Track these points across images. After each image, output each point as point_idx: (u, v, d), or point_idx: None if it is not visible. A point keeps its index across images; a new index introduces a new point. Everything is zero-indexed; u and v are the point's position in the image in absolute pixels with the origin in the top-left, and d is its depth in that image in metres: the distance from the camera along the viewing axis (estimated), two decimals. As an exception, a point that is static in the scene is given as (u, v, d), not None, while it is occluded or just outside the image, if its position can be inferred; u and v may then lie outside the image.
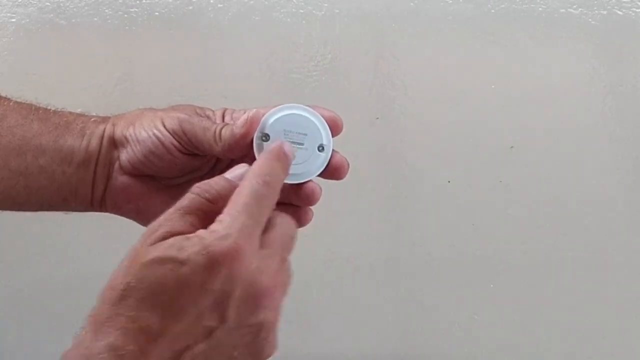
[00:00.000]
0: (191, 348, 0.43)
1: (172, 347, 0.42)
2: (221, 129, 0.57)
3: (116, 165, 0.59)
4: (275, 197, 0.49)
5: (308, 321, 0.95)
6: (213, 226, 0.45)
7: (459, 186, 0.96)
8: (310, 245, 0.95)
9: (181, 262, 0.43)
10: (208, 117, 0.59)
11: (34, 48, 0.99)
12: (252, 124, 0.56)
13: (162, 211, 0.54)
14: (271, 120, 0.57)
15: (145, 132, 0.58)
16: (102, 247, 0.95)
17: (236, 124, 0.57)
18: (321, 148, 0.58)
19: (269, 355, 0.47)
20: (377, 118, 0.97)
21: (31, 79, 0.98)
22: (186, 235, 0.44)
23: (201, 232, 0.45)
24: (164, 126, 0.57)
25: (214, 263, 0.43)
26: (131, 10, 0.99)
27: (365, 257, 0.96)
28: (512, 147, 0.97)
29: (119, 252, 0.45)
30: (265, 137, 0.57)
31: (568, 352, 0.95)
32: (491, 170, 0.97)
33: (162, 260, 0.43)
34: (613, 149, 0.97)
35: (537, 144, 0.97)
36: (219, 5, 0.99)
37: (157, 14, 0.99)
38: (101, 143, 0.59)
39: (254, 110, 0.57)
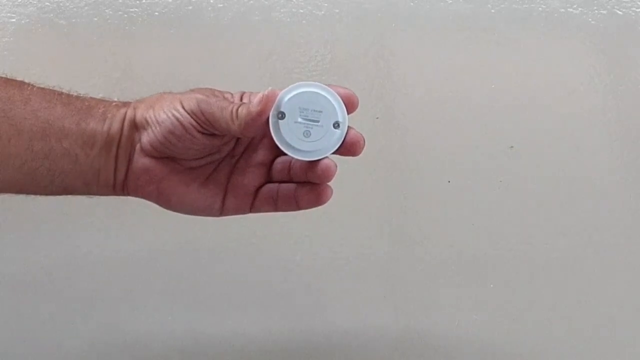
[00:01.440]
0: None
1: None
2: (238, 107, 0.58)
3: (137, 147, 0.61)
4: None
5: (308, 321, 0.95)
6: None
7: (459, 186, 0.96)
8: (311, 245, 0.96)
9: None
10: (226, 99, 0.60)
11: (34, 48, 0.99)
12: (267, 102, 0.57)
13: (182, 193, 0.61)
14: (287, 98, 0.58)
15: (164, 113, 0.59)
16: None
17: (252, 103, 0.58)
18: (337, 125, 0.58)
19: None
20: (377, 118, 0.97)
21: (31, 79, 0.97)
22: None
23: None
24: (183, 107, 0.59)
25: None
26: (131, 10, 0.99)
27: (365, 257, 0.96)
28: (512, 147, 0.97)
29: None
30: (281, 115, 0.58)
31: (568, 352, 0.95)
32: (491, 170, 0.97)
33: None
34: (613, 149, 0.97)
35: (537, 144, 0.97)
36: (219, 5, 0.99)
37: (157, 14, 0.99)
38: (122, 126, 0.61)
39: (270, 89, 0.58)
